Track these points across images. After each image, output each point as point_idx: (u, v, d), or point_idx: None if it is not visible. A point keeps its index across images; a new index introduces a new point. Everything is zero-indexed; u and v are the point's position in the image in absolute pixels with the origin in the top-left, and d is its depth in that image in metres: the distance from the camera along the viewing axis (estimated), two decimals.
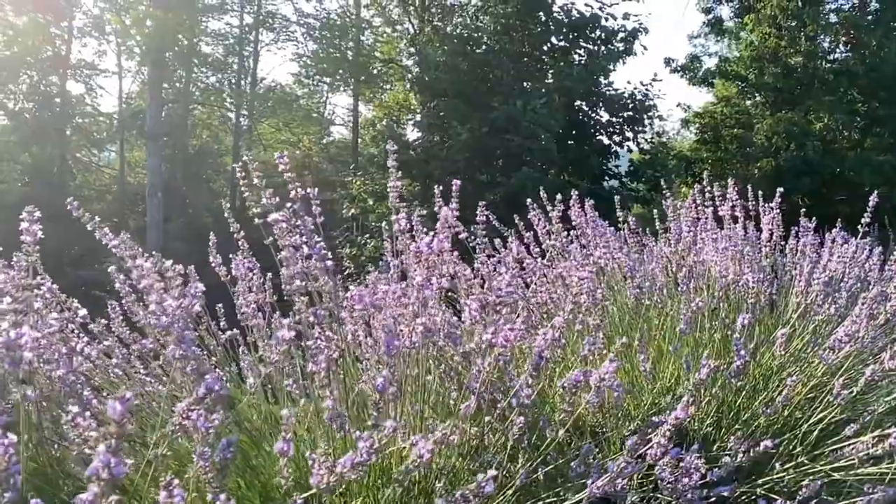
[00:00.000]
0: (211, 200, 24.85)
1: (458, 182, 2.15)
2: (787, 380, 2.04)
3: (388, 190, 1.94)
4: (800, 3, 17.22)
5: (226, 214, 2.53)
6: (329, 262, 1.36)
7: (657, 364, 2.68)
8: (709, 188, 2.99)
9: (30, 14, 24.78)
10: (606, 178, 18.24)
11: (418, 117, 19.86)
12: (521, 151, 15.72)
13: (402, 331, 1.51)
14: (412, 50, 21.90)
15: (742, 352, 1.88)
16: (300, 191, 1.98)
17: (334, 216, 21.95)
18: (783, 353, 2.17)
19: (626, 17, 17.73)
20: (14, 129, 26.16)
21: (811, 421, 2.31)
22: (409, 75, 21.77)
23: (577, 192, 3.33)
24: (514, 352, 1.91)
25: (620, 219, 3.26)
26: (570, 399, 1.48)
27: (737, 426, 2.41)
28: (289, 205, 1.64)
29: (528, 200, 2.95)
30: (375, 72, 26.92)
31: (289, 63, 36.86)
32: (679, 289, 2.57)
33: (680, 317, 2.39)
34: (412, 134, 20.60)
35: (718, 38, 21.70)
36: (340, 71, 25.30)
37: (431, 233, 1.93)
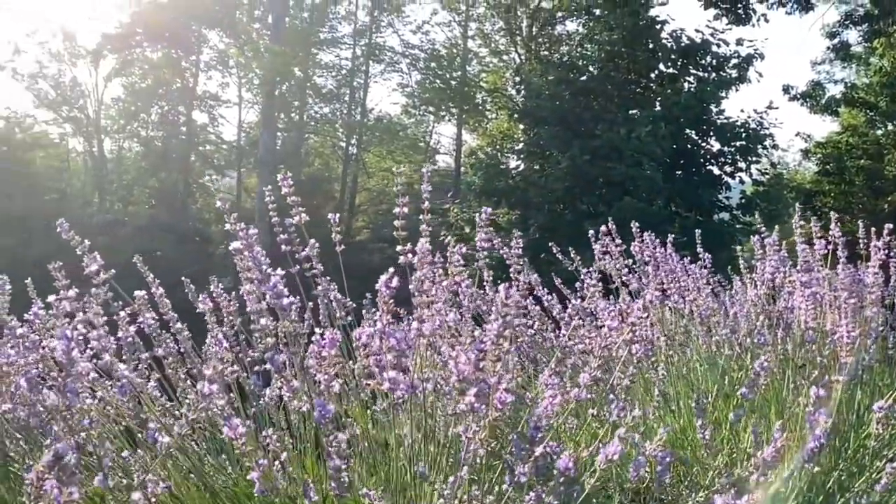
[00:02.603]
0: (320, 225, 25.67)
1: (489, 210, 1.90)
2: (887, 467, 1.63)
3: (395, 220, 1.73)
4: None
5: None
6: (286, 300, 1.14)
7: (735, 427, 2.29)
8: (801, 223, 2.56)
9: (164, 49, 26.79)
10: (717, 210, 17.27)
11: (520, 146, 19.72)
12: (624, 180, 15.16)
13: (368, 385, 1.29)
14: (517, 79, 21.84)
15: (818, 431, 1.51)
16: (304, 216, 1.81)
17: (435, 243, 22.05)
18: (882, 430, 1.75)
19: (739, 42, 16.87)
20: (144, 155, 28.22)
21: None
22: (512, 103, 21.71)
23: (638, 224, 3.02)
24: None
25: (701, 255, 2.87)
26: (559, 489, 1.19)
27: None
28: (252, 230, 1.46)
29: (585, 233, 2.65)
30: (480, 101, 27.10)
31: (396, 93, 37.87)
32: (756, 340, 2.19)
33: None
34: (513, 162, 20.46)
35: (845, 63, 20.25)
36: (444, 101, 25.62)
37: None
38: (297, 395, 1.19)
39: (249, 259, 1.19)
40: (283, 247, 2.10)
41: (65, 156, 33.47)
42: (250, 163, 28.24)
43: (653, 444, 1.49)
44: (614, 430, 1.42)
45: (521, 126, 19.56)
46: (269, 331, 1.23)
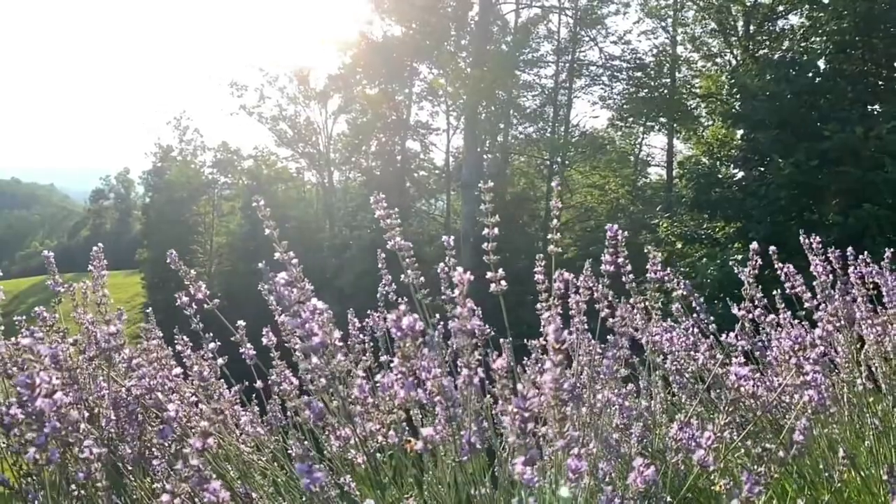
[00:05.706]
0: (526, 245, 25.86)
1: (615, 227, 1.75)
2: None
3: (485, 244, 1.65)
4: None
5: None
6: (317, 339, 1.05)
7: None
8: None
9: (381, 85, 28.97)
10: None
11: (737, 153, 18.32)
12: (861, 185, 13.41)
13: (408, 442, 1.20)
14: (732, 82, 20.39)
15: None
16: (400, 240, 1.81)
17: (645, 259, 21.13)
18: None
19: None
20: (365, 183, 30.63)
21: None
22: (728, 108, 20.27)
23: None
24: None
25: None
26: None
27: None
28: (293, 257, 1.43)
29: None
30: (692, 108, 25.70)
31: (597, 107, 37.05)
32: None
33: None
34: (731, 170, 19.04)
35: None
36: (649, 110, 24.63)
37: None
38: (358, 445, 1.14)
39: (274, 295, 1.12)
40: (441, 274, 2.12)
41: (301, 187, 37.59)
42: (458, 186, 29.35)
43: None
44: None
45: (739, 132, 18.18)
46: (320, 371, 1.18)
